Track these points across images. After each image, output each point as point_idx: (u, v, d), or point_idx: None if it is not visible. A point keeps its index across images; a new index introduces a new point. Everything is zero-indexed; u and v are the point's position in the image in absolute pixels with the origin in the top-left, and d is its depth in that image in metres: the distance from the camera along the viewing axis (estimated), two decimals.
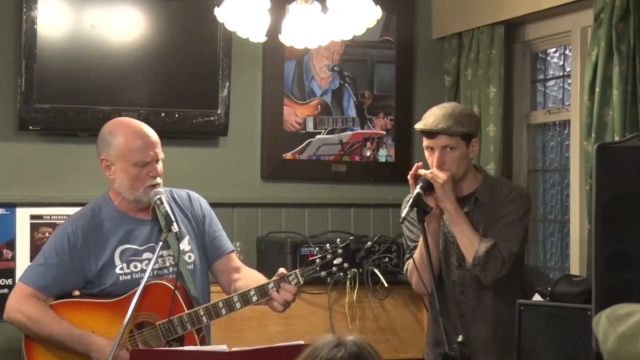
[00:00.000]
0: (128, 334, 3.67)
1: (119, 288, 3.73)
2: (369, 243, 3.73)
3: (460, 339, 3.53)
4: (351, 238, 3.74)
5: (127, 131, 3.76)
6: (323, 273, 3.69)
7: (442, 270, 4.09)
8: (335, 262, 3.68)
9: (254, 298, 3.67)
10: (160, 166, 3.78)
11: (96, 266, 3.74)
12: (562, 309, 3.99)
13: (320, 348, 2.34)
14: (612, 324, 2.28)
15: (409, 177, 4.00)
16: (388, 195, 5.57)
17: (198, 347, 3.56)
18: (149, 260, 3.71)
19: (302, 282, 3.69)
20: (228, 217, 5.20)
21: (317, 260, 3.69)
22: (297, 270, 3.71)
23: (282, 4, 4.45)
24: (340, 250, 3.68)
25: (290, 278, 3.68)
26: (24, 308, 3.71)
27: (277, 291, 3.67)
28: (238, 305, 3.67)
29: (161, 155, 3.78)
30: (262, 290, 3.68)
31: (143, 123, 3.84)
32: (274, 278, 3.70)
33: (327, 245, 3.72)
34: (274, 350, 3.35)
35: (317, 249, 3.73)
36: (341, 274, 3.71)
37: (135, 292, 3.59)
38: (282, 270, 3.71)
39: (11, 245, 4.89)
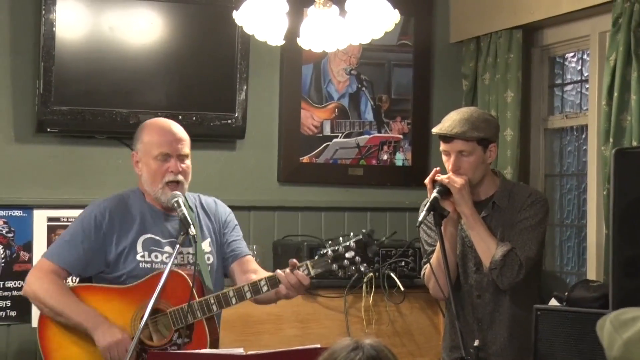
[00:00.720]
0: (139, 320, 3.67)
1: (138, 275, 3.78)
2: (383, 238, 3.71)
3: (476, 343, 3.53)
4: (363, 231, 3.72)
5: (155, 128, 3.88)
6: (334, 266, 3.68)
7: (459, 274, 4.08)
8: (347, 255, 3.67)
9: (264, 288, 3.70)
10: (185, 165, 3.84)
11: (117, 249, 3.80)
12: (578, 314, 3.98)
13: (338, 351, 2.35)
14: (617, 329, 2.24)
15: (426, 181, 4.00)
16: (404, 199, 5.57)
17: (214, 350, 3.58)
18: (170, 254, 3.75)
19: (312, 273, 3.70)
20: (245, 220, 5.20)
21: (329, 252, 3.69)
22: (307, 261, 3.72)
23: (301, 8, 4.46)
24: (352, 244, 3.68)
25: (302, 269, 3.69)
26: (43, 282, 3.77)
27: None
28: (248, 294, 3.70)
29: (184, 151, 3.84)
30: (272, 280, 3.70)
31: (175, 123, 3.93)
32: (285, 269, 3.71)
33: (340, 238, 3.72)
34: (290, 354, 3.36)
35: (329, 242, 3.72)
36: (353, 267, 3.70)
37: (148, 281, 3.67)
38: (293, 260, 3.73)
39: (28, 247, 4.90)
